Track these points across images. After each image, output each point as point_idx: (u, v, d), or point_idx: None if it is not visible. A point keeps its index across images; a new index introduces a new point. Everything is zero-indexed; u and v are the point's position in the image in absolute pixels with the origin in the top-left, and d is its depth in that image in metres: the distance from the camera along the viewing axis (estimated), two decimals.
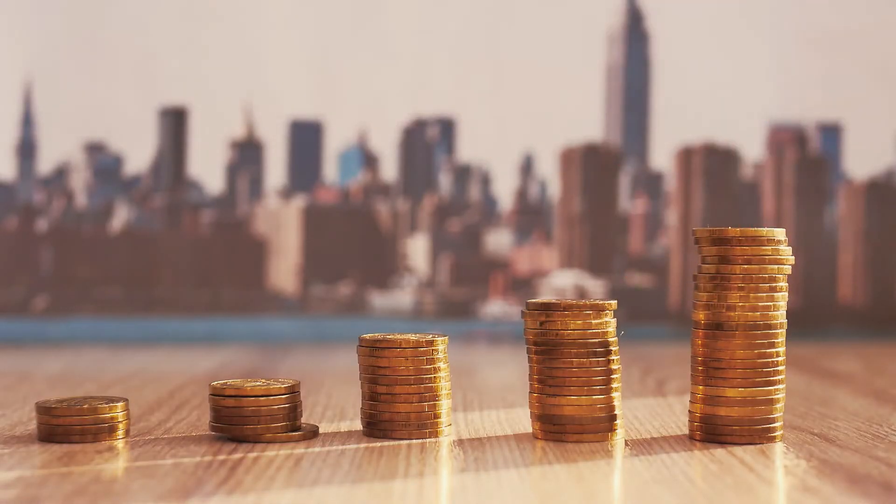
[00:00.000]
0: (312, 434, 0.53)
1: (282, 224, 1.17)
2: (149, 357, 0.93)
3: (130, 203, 1.15)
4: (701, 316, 0.51)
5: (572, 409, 0.51)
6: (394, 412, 0.52)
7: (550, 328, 0.51)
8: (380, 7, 1.14)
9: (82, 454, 0.49)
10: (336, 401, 0.64)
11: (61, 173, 1.14)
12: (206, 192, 1.16)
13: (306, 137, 1.16)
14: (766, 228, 0.50)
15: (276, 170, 1.16)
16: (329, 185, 1.18)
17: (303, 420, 0.55)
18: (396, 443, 0.52)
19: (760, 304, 0.50)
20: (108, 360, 0.92)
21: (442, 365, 0.53)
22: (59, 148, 1.14)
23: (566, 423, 0.51)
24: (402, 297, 1.17)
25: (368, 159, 1.17)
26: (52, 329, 1.12)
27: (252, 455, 0.49)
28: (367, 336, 0.53)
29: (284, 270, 1.17)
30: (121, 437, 0.52)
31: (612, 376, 0.52)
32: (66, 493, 0.42)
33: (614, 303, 0.52)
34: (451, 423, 0.55)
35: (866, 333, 1.15)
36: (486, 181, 1.18)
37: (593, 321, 0.51)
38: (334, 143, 1.16)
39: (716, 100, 1.16)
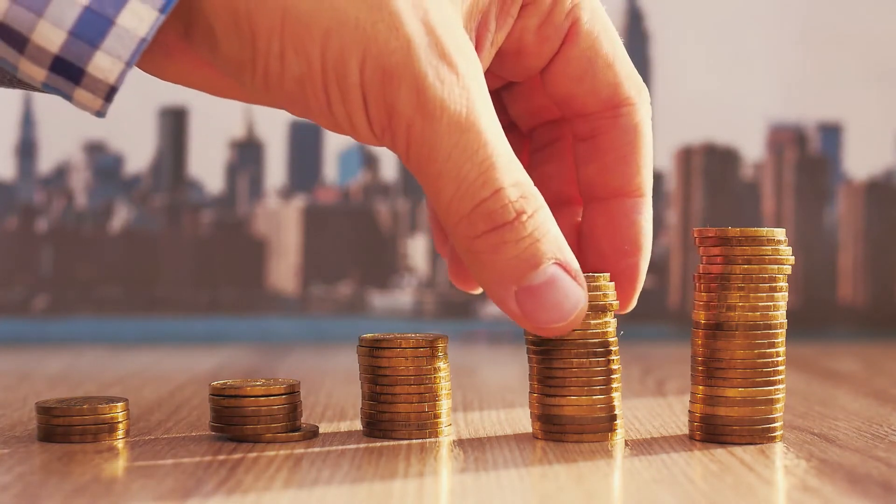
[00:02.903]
0: (312, 434, 0.53)
1: (282, 224, 1.17)
2: (149, 357, 0.93)
3: (130, 203, 1.15)
4: (701, 316, 0.51)
5: (572, 409, 0.51)
6: (394, 412, 0.52)
7: None
8: None
9: (82, 454, 0.49)
10: (336, 401, 0.64)
11: (61, 173, 1.14)
12: (206, 192, 1.16)
13: (306, 137, 1.16)
14: (766, 228, 0.50)
15: (276, 170, 1.16)
16: (329, 185, 1.18)
17: (303, 420, 0.55)
18: (396, 443, 0.52)
19: (760, 304, 0.50)
20: (108, 360, 0.92)
21: (442, 365, 0.53)
22: (59, 148, 1.14)
23: (566, 423, 0.51)
24: (402, 297, 1.17)
25: (368, 159, 1.17)
26: (52, 329, 1.12)
27: (252, 455, 0.49)
28: (367, 336, 0.53)
29: (284, 270, 1.17)
30: (121, 437, 0.52)
31: (612, 376, 0.52)
32: (66, 493, 0.42)
33: (615, 303, 0.52)
34: (451, 423, 0.55)
35: (866, 333, 1.15)
36: None
37: (593, 321, 0.51)
38: (334, 143, 1.16)
39: (716, 100, 1.16)
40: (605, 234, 0.54)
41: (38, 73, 0.44)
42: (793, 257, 0.51)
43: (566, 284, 0.47)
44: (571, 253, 0.48)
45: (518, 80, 0.55)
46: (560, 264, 0.47)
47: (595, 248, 0.54)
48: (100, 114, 0.46)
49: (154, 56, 0.48)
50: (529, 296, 0.47)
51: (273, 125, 1.15)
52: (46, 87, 0.45)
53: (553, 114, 0.56)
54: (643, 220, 0.54)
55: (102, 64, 0.43)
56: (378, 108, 0.45)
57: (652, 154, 0.54)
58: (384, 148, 0.48)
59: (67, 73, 0.44)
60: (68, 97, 0.45)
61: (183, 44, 0.47)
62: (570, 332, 0.50)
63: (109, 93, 0.44)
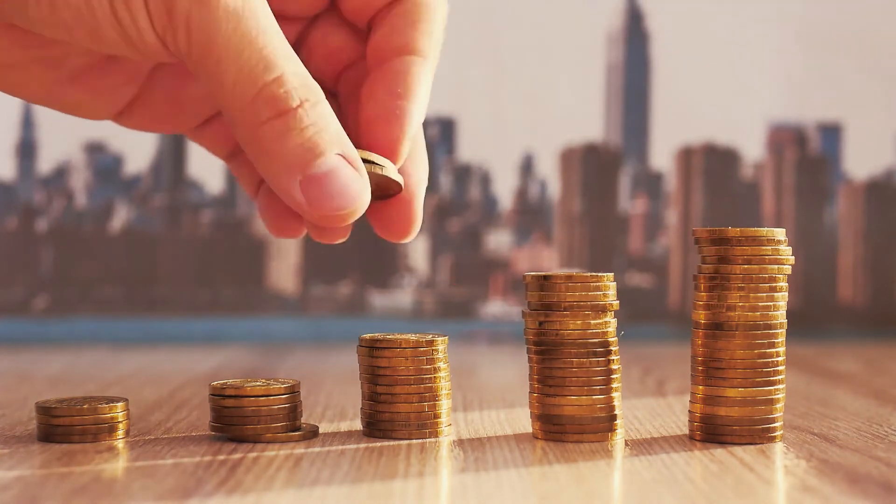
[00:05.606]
0: (312, 434, 0.53)
1: None
2: (149, 357, 0.93)
3: (130, 203, 1.15)
4: (701, 316, 0.51)
5: (572, 409, 0.51)
6: (394, 412, 0.52)
7: (550, 328, 0.51)
8: None
9: (82, 454, 0.49)
10: (336, 401, 0.64)
11: (61, 173, 1.14)
12: (206, 192, 1.16)
13: None
14: (766, 228, 0.50)
15: None
16: None
17: (303, 420, 0.55)
18: (396, 443, 0.52)
19: (760, 304, 0.50)
20: (108, 360, 0.92)
21: (442, 365, 0.53)
22: (59, 148, 1.14)
23: (566, 423, 0.51)
24: (402, 297, 1.17)
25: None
26: (52, 329, 1.12)
27: (252, 455, 0.49)
28: (367, 336, 0.53)
29: (284, 270, 1.17)
30: (121, 437, 0.52)
31: (612, 376, 0.52)
32: (66, 493, 0.42)
33: (616, 303, 0.52)
34: (451, 423, 0.55)
35: (866, 333, 1.15)
36: (486, 181, 1.18)
37: (593, 321, 0.51)
38: None
39: (716, 100, 1.16)
40: (381, 83, 0.53)
41: None
42: (793, 257, 0.51)
43: (349, 173, 0.48)
44: (352, 146, 0.48)
45: None
46: (342, 156, 0.47)
47: (371, 97, 0.53)
48: None
49: None
50: (314, 184, 0.47)
51: None
52: None
53: None
54: (421, 72, 0.53)
55: None
56: (157, 4, 0.45)
57: (441, 23, 0.54)
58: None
59: None
60: None
61: None
62: (570, 333, 0.50)
63: None
